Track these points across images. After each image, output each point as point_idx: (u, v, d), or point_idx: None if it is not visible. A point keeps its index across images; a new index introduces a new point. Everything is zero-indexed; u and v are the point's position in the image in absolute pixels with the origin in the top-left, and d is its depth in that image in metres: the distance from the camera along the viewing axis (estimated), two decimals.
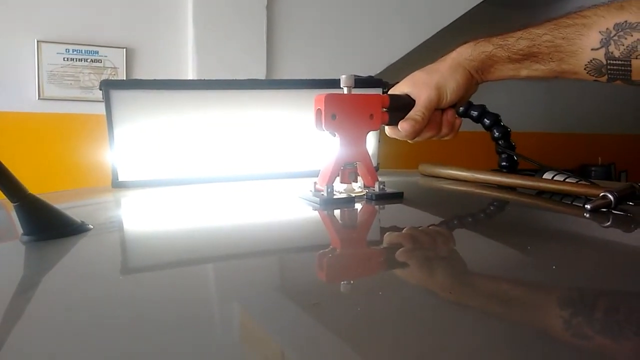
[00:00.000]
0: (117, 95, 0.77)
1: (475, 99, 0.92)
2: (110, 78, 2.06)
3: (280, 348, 0.28)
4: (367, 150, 0.67)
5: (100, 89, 0.77)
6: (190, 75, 2.15)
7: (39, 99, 1.99)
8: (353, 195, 0.66)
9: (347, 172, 0.66)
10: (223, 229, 0.57)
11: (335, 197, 0.64)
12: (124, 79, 2.04)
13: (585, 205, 0.59)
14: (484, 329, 0.29)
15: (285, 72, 2.29)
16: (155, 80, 0.80)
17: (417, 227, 0.55)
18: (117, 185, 0.81)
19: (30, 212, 0.48)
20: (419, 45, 2.56)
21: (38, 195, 0.49)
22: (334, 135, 0.65)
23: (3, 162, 0.46)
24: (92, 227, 0.51)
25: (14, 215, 0.49)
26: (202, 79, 0.83)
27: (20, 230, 0.48)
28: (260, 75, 2.20)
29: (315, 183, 0.66)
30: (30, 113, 1.99)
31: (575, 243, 0.51)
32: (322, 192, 0.64)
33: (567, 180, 0.71)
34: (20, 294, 0.37)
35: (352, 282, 0.37)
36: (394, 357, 0.25)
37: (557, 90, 3.77)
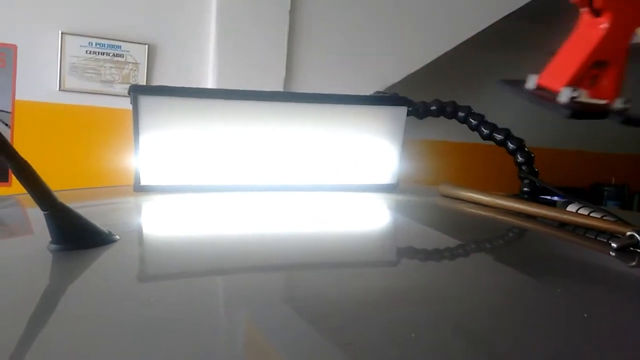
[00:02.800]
0: (145, 100, 0.78)
1: (483, 111, 0.92)
2: (132, 73, 2.07)
3: None
4: (627, 51, 0.49)
5: (129, 94, 0.77)
6: (210, 74, 2.16)
7: (59, 89, 2.01)
8: (599, 102, 0.49)
9: (591, 73, 0.49)
10: (246, 239, 0.58)
11: (583, 102, 0.45)
12: (146, 78, 2.06)
13: (612, 244, 0.58)
14: None
15: (303, 75, 2.30)
16: (184, 87, 0.80)
17: (433, 254, 0.55)
18: (139, 189, 0.81)
19: (60, 221, 0.48)
20: (438, 57, 2.55)
21: (65, 193, 0.50)
22: (597, 15, 0.47)
23: (25, 157, 0.46)
24: (118, 237, 0.52)
25: (29, 212, 0.49)
26: (231, 89, 0.82)
27: (39, 233, 0.49)
28: (279, 77, 2.21)
29: (536, 79, 0.50)
30: (50, 103, 2.01)
31: (605, 287, 0.50)
32: (556, 95, 0.48)
33: (591, 214, 0.71)
34: (48, 303, 0.38)
35: (379, 319, 0.37)
36: None
37: None
